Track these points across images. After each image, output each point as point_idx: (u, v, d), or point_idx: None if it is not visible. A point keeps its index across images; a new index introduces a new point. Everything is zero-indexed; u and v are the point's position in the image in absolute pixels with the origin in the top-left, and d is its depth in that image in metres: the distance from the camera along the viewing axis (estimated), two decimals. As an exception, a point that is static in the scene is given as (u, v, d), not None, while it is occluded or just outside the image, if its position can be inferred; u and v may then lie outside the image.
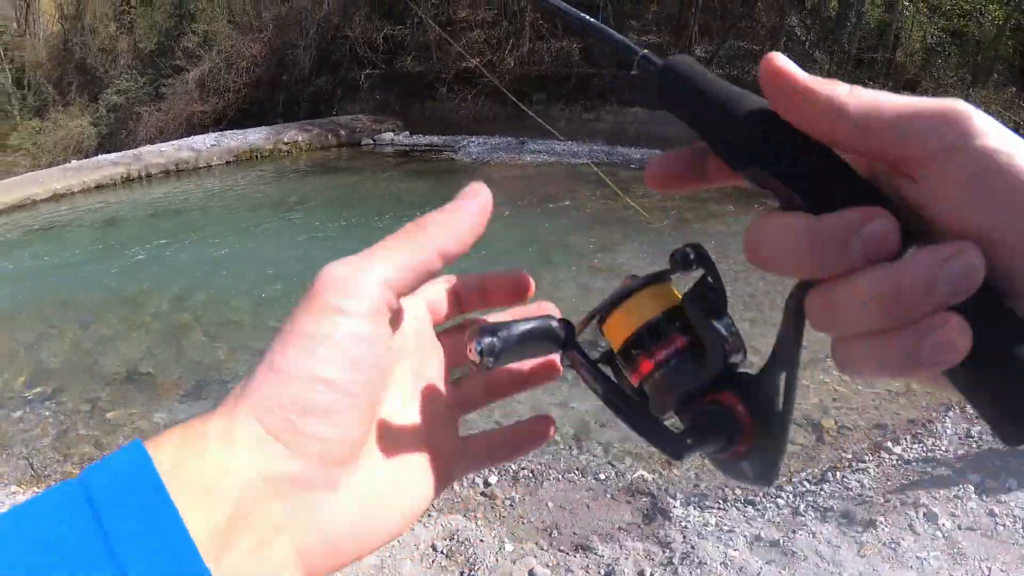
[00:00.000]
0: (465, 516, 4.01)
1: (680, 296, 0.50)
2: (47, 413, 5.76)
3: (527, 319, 0.49)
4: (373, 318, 0.40)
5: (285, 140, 16.22)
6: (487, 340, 0.45)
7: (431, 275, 0.45)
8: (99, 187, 13.94)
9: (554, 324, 0.50)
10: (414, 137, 16.93)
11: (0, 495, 4.57)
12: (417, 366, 0.48)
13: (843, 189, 0.36)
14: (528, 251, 8.76)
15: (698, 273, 0.48)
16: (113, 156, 15.47)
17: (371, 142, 16.82)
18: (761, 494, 4.08)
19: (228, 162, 15.46)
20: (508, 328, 0.47)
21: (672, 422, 0.49)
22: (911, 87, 12.23)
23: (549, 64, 16.03)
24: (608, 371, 0.53)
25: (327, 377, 0.38)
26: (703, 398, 0.48)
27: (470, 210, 0.47)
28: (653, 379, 0.49)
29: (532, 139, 15.32)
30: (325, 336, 0.39)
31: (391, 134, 17.04)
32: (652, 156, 0.46)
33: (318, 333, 0.39)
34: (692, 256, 0.48)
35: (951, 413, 4.85)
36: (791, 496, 4.03)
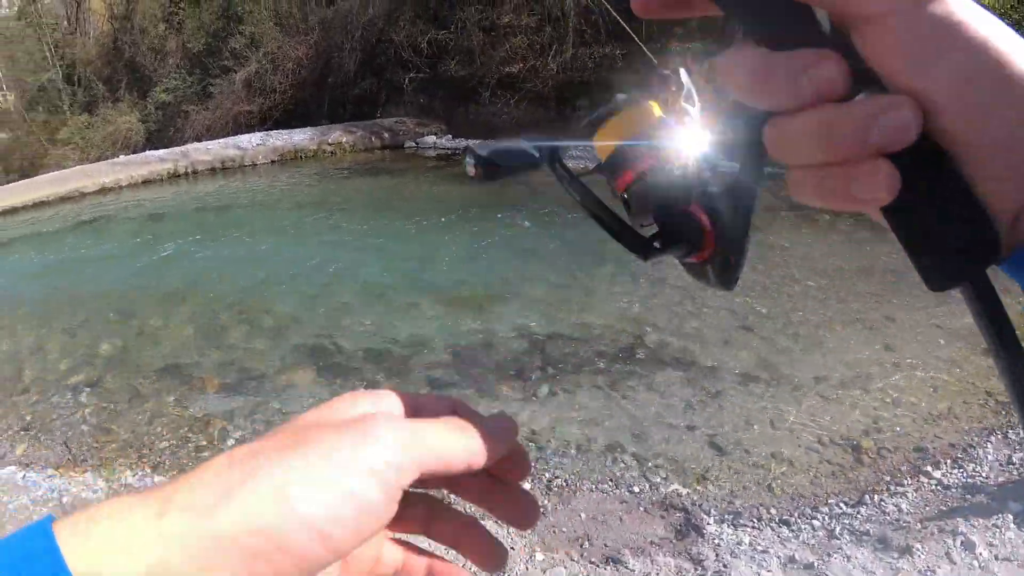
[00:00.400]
0: (496, 523, 4.01)
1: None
2: (86, 400, 5.94)
3: (514, 142, 0.58)
4: (390, 492, 0.38)
5: (329, 141, 16.44)
6: (478, 154, 0.55)
7: (447, 476, 0.43)
8: (146, 182, 14.31)
9: (536, 145, 0.58)
10: (456, 140, 17.03)
11: (38, 478, 4.74)
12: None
13: (802, 31, 0.38)
14: (566, 258, 8.77)
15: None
16: (161, 152, 15.85)
17: (414, 145, 16.96)
18: (796, 515, 4.05)
19: (273, 161, 15.74)
20: (497, 144, 0.56)
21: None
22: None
23: (592, 70, 16.02)
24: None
25: (330, 534, 0.35)
26: (676, 208, 0.53)
27: (503, 437, 0.46)
28: (633, 189, 0.56)
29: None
30: (344, 487, 0.36)
31: (434, 137, 17.16)
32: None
33: (337, 479, 0.36)
34: (671, 77, 0.55)
35: (993, 439, 4.75)
36: (827, 518, 3.99)
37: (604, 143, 0.57)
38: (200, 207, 12.62)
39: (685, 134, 0.54)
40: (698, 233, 0.52)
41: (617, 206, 0.57)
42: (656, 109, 0.56)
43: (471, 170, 0.55)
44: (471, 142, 0.49)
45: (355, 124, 17.48)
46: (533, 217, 10.61)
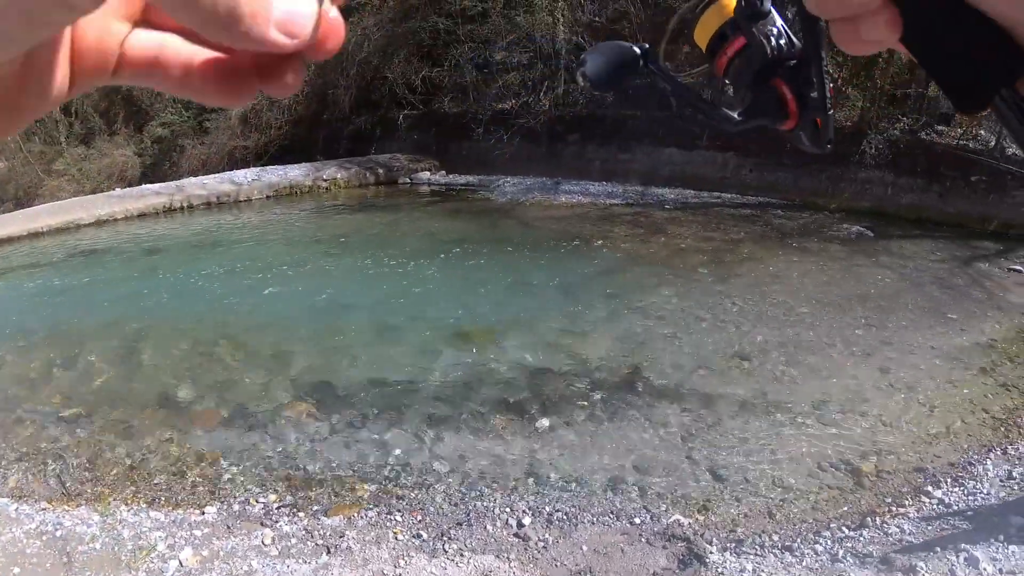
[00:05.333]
0: (498, 557, 4.01)
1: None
2: (81, 433, 5.87)
3: (613, 45, 0.73)
4: None
5: (324, 177, 16.52)
6: (581, 69, 0.72)
7: None
8: (142, 215, 14.33)
9: (634, 48, 0.71)
10: (450, 176, 17.15)
11: (31, 511, 4.67)
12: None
13: None
14: (562, 292, 8.80)
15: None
16: (156, 186, 15.90)
17: (408, 181, 17.06)
18: (799, 540, 4.04)
19: (268, 196, 15.78)
20: (595, 56, 0.73)
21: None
22: (945, 121, 12.19)
23: (584, 105, 16.19)
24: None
25: None
26: (765, 82, 0.66)
27: None
28: (729, 71, 0.69)
29: (567, 179, 15.45)
30: None
31: (428, 173, 17.28)
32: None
33: None
34: None
35: (992, 455, 4.77)
36: (829, 542, 3.98)
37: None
38: (196, 242, 12.62)
39: (752, 19, 0.66)
40: (781, 104, 0.65)
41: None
42: (732, 0, 0.69)
43: (582, 82, 0.72)
44: (585, 54, 0.75)
45: (350, 160, 17.59)
46: (528, 253, 10.66)
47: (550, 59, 16.57)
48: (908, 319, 7.28)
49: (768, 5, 0.66)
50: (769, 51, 0.65)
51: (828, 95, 0.62)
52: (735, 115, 0.67)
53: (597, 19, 16.69)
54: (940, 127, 12.06)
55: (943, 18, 0.42)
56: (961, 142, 11.65)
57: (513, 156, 16.39)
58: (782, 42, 0.66)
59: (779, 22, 0.66)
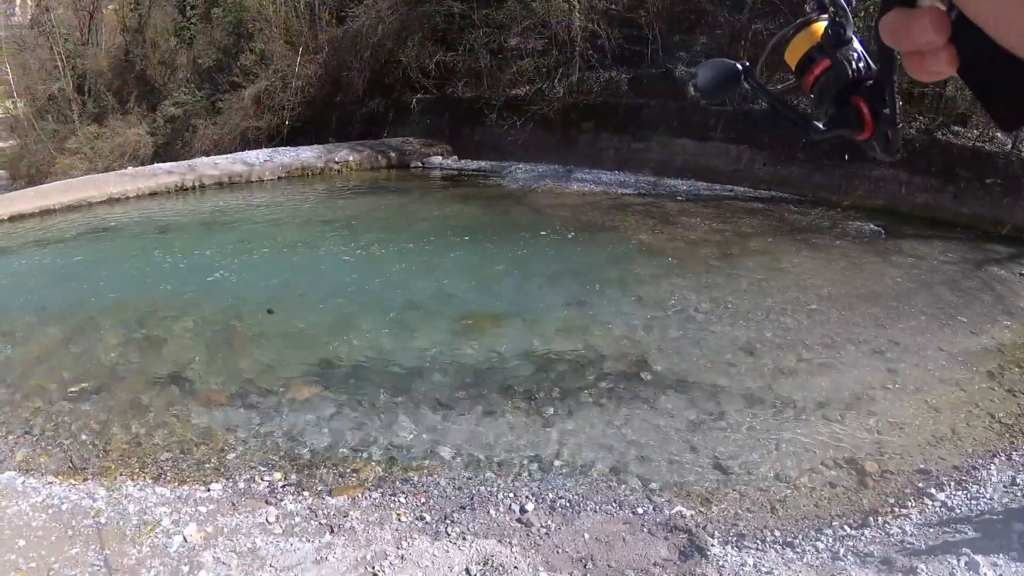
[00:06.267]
0: (500, 542, 4.02)
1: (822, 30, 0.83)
2: (89, 408, 5.90)
3: (719, 61, 0.92)
4: None
5: (336, 159, 16.52)
6: (693, 81, 1.18)
7: None
8: (153, 194, 14.37)
9: (737, 65, 0.89)
10: (462, 161, 17.12)
11: (37, 484, 4.71)
12: None
13: None
14: (571, 280, 8.79)
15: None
16: (168, 165, 15.92)
17: (420, 165, 17.04)
18: (800, 537, 4.05)
19: (280, 178, 15.80)
20: (705, 70, 0.91)
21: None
22: (962, 122, 12.09)
23: (598, 93, 16.10)
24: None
25: None
26: (846, 99, 0.79)
27: None
28: (815, 88, 0.82)
29: (579, 167, 15.39)
30: None
31: (440, 158, 17.24)
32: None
33: None
34: (826, 2, 0.83)
35: (997, 460, 4.76)
36: (831, 540, 3.99)
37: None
38: (207, 221, 12.66)
39: (838, 45, 0.79)
40: (859, 117, 0.77)
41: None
42: (820, 27, 0.82)
43: (693, 92, 1.22)
44: (698, 68, 0.98)
45: (362, 143, 17.57)
46: (538, 240, 10.65)
47: (565, 46, 16.46)
48: (917, 319, 7.26)
49: (851, 33, 0.79)
50: (850, 73, 0.79)
51: (898, 112, 0.75)
52: (820, 125, 0.81)
53: (613, 6, 16.57)
54: (956, 127, 11.96)
55: (988, 58, 0.51)
56: (977, 143, 11.56)
57: (526, 143, 16.34)
58: (861, 65, 0.79)
59: (859, 48, 0.80)
